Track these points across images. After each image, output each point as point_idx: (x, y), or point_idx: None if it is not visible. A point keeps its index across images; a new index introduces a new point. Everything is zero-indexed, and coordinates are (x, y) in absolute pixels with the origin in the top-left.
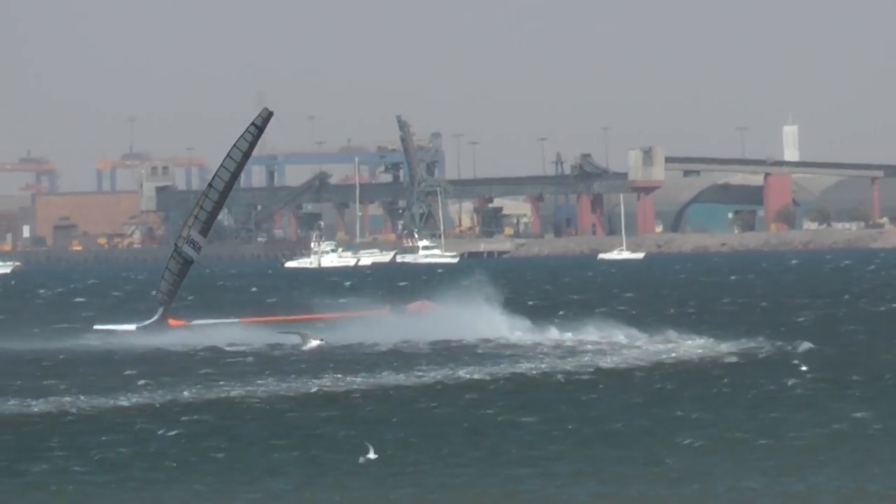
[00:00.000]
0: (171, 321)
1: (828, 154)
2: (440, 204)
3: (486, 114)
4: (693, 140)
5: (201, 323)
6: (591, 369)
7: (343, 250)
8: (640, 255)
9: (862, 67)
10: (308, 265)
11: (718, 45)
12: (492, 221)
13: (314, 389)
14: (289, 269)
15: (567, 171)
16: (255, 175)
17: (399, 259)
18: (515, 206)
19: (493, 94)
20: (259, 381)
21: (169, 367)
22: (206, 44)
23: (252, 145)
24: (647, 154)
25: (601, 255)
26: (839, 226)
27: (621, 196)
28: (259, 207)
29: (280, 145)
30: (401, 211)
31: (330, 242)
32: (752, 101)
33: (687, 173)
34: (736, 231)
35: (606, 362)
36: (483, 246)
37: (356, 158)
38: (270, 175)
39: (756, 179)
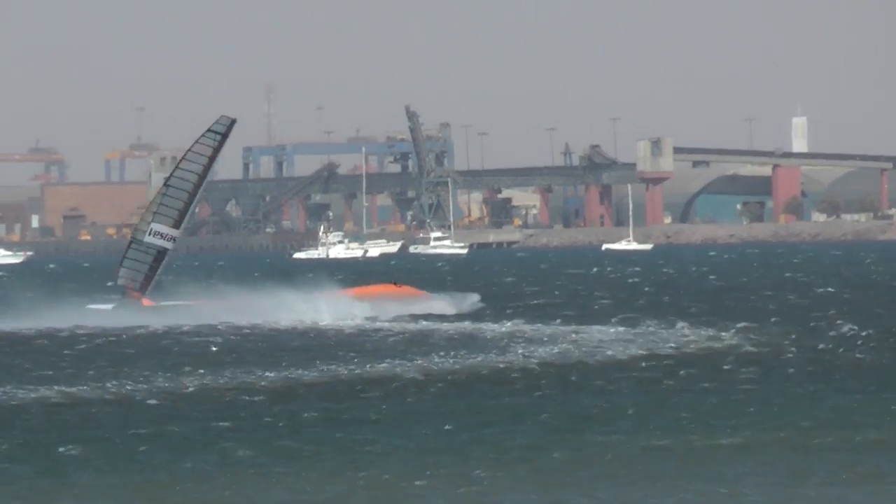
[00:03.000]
0: (145, 301)
1: (836, 145)
2: (450, 194)
3: (495, 104)
4: (702, 131)
5: (169, 304)
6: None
7: (350, 241)
8: (648, 247)
9: (871, 58)
10: (316, 256)
11: (727, 36)
12: (501, 212)
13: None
14: (296, 260)
15: (576, 162)
16: (263, 165)
17: (412, 250)
18: (524, 197)
19: (502, 85)
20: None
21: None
22: (215, 34)
23: (217, 150)
24: (656, 145)
25: (606, 246)
26: (848, 217)
27: (629, 187)
28: (267, 198)
29: (289, 135)
30: (410, 201)
31: (338, 233)
32: (760, 92)
33: (696, 164)
34: (744, 222)
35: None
36: (492, 237)
37: (364, 149)
38: (279, 165)
39: (765, 171)
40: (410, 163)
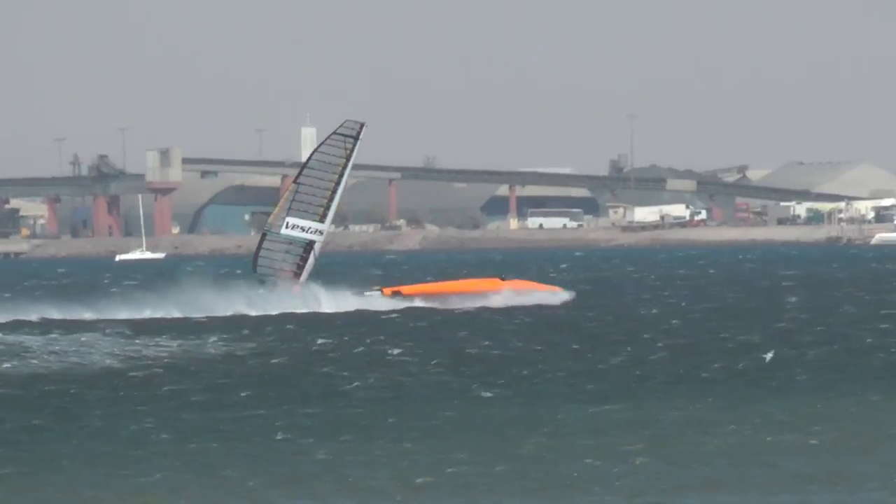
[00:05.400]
0: (295, 289)
1: None
2: None
3: None
4: (212, 141)
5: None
6: None
7: None
8: (160, 256)
9: (370, 69)
10: None
11: (235, 46)
12: (8, 223)
13: None
14: None
15: (85, 171)
16: None
17: None
18: (33, 207)
19: (6, 91)
20: None
21: None
22: None
23: (352, 151)
24: (165, 155)
25: (120, 257)
26: (356, 228)
27: (140, 197)
28: None
29: None
30: None
31: None
32: (270, 103)
33: (205, 174)
34: (252, 233)
35: None
36: None
37: None
38: None
39: (274, 181)
40: None
